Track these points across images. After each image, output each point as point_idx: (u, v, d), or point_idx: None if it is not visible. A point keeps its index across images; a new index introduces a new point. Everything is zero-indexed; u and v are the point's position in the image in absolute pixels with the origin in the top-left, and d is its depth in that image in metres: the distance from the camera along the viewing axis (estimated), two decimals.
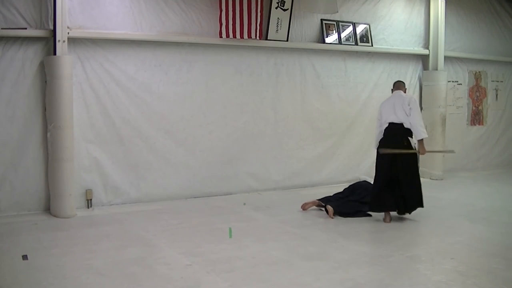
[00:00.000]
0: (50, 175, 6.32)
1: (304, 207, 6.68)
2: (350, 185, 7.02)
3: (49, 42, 6.31)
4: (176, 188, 7.26)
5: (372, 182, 6.46)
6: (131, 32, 6.82)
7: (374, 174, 6.34)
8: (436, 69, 9.23)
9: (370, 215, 6.39)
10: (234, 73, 7.65)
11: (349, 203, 6.55)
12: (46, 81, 6.26)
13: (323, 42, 8.25)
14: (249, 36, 7.37)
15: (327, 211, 6.38)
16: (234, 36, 7.29)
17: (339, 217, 6.34)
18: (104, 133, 6.79)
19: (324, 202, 6.57)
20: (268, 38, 7.69)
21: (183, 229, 5.79)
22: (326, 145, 8.41)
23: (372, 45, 8.68)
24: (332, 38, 8.33)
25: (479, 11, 9.99)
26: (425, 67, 9.38)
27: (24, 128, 6.32)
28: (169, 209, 6.70)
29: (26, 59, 6.27)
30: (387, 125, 6.16)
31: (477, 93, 10.23)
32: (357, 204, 6.52)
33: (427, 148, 6.21)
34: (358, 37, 8.55)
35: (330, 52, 8.41)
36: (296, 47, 8.05)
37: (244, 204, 7.03)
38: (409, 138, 6.13)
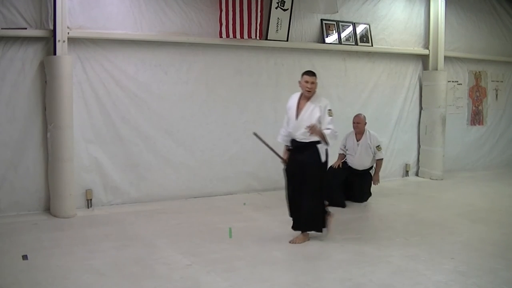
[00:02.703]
0: (50, 175, 6.32)
1: None
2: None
3: (49, 42, 6.31)
4: (176, 188, 7.26)
5: None
6: (131, 32, 6.82)
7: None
8: (436, 69, 9.23)
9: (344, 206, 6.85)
10: (234, 73, 7.65)
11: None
12: (46, 81, 6.26)
13: (323, 42, 8.25)
14: (249, 36, 7.37)
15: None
16: (234, 36, 7.29)
17: (339, 216, 6.35)
18: (104, 133, 6.79)
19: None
20: (268, 38, 7.69)
21: (183, 229, 5.79)
22: None
23: (372, 45, 8.68)
24: (332, 38, 8.33)
25: (479, 11, 9.99)
26: (425, 67, 9.37)
27: (24, 128, 6.32)
28: (169, 209, 6.70)
29: (26, 59, 6.27)
30: None
31: (477, 93, 10.23)
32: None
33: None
34: (358, 37, 8.55)
35: (330, 52, 8.41)
36: (296, 47, 8.05)
37: (244, 204, 7.03)
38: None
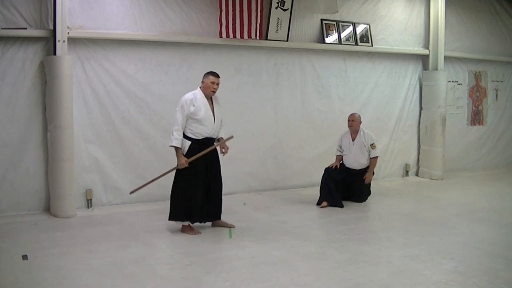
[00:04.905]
0: (50, 175, 6.32)
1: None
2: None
3: (49, 42, 6.31)
4: None
5: None
6: (131, 32, 6.81)
7: None
8: (436, 69, 9.23)
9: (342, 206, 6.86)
10: (234, 73, 7.64)
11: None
12: (46, 81, 6.26)
13: (323, 42, 8.25)
14: (249, 36, 7.37)
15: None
16: (234, 36, 7.29)
17: (339, 216, 6.35)
18: (104, 133, 6.79)
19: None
20: (268, 38, 7.69)
21: None
22: (326, 145, 8.40)
23: (372, 45, 8.68)
24: (332, 38, 8.33)
25: (479, 11, 9.99)
26: (425, 67, 9.37)
27: (24, 128, 6.32)
28: (169, 209, 6.68)
29: (26, 59, 6.27)
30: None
31: (477, 93, 10.23)
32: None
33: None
34: (358, 37, 8.55)
35: (330, 52, 8.41)
36: (296, 47, 8.05)
37: (244, 204, 7.03)
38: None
